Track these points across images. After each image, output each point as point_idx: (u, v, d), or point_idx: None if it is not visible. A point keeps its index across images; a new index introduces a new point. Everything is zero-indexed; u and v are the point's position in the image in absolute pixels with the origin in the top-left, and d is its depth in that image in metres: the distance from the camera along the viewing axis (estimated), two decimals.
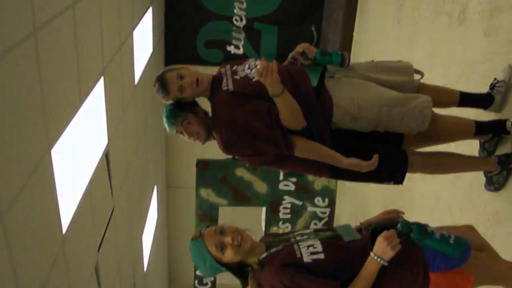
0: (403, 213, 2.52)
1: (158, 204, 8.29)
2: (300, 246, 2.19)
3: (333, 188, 6.76)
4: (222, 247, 2.16)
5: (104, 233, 4.47)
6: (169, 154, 9.11)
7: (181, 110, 2.73)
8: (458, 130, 3.01)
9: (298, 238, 2.28)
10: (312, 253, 2.15)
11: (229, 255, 2.17)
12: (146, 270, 7.36)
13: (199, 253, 2.21)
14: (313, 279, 2.10)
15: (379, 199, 5.80)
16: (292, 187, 6.58)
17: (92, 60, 3.89)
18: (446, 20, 4.06)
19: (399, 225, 2.17)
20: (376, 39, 6.05)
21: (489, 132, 3.14)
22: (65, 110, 3.29)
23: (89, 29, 3.78)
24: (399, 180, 2.89)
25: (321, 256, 2.14)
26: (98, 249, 4.28)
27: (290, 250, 2.18)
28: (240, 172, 6.38)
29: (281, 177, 6.53)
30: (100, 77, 4.09)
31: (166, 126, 2.77)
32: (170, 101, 2.77)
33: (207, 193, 6.75)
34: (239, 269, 2.28)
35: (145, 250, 7.14)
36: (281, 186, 6.60)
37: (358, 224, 2.49)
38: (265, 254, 2.21)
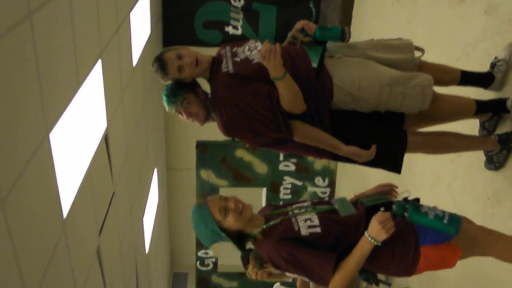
0: (397, 187, 2.71)
1: (158, 186, 8.31)
2: (298, 220, 2.28)
3: (333, 168, 6.77)
4: (225, 210, 2.26)
5: (105, 217, 4.47)
6: (169, 136, 9.11)
7: (182, 90, 2.72)
8: (458, 110, 2.99)
9: (296, 211, 2.34)
10: (309, 227, 2.23)
11: (230, 220, 2.26)
12: (148, 252, 7.39)
13: (201, 216, 2.31)
14: (310, 252, 2.19)
15: (379, 178, 5.78)
16: (292, 167, 6.60)
17: (89, 43, 3.86)
18: None
19: (394, 206, 2.21)
20: (375, 18, 6.01)
21: (489, 111, 3.12)
22: (63, 94, 3.27)
23: (85, 11, 3.74)
24: (396, 169, 2.91)
25: (318, 230, 2.22)
26: (100, 233, 4.29)
27: (288, 224, 2.27)
28: (240, 153, 6.40)
29: (281, 158, 6.54)
30: (97, 60, 4.06)
31: (166, 104, 2.75)
32: (169, 82, 2.75)
33: (208, 175, 6.78)
34: (238, 239, 2.34)
35: (146, 232, 7.16)
36: (281, 167, 6.62)
37: (354, 196, 2.55)
38: (264, 227, 2.29)
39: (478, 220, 3.42)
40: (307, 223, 2.25)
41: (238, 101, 2.62)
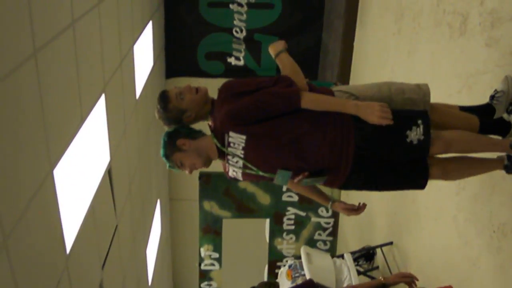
0: (418, 280, 2.71)
1: (161, 217, 8.27)
2: None
3: (336, 198, 6.72)
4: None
5: (108, 250, 4.45)
6: None
7: (171, 152, 2.79)
8: (459, 124, 2.95)
9: None
10: None
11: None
12: (151, 284, 7.33)
13: None
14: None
15: (383, 210, 5.78)
16: (295, 198, 6.57)
17: (93, 78, 3.89)
18: (447, 30, 4.05)
19: None
20: (377, 49, 6.05)
21: (494, 133, 3.08)
22: (67, 130, 3.28)
23: (89, 46, 3.78)
24: (421, 186, 2.82)
25: None
26: (103, 267, 4.26)
27: None
28: (243, 184, 6.37)
29: (284, 189, 6.52)
30: (101, 94, 4.08)
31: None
32: (172, 127, 2.76)
33: (211, 206, 6.75)
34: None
35: (149, 264, 7.11)
36: (285, 197, 6.60)
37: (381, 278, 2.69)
38: None
39: (484, 253, 3.41)
40: None
41: (242, 90, 2.66)
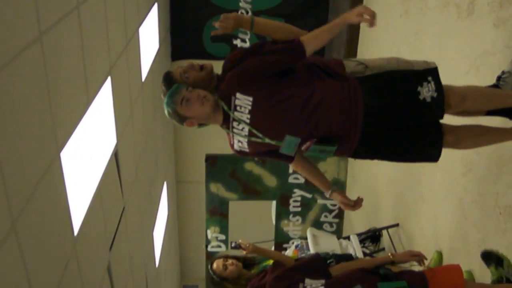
0: (426, 259, 2.70)
1: (168, 199, 8.31)
2: None
3: (343, 180, 6.74)
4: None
5: (116, 232, 4.48)
6: (178, 149, 9.12)
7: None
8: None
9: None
10: None
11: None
12: (158, 265, 7.39)
13: None
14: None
15: (389, 191, 5.78)
16: (301, 180, 6.57)
17: (98, 61, 3.88)
18: (454, 11, 4.02)
19: None
20: (383, 29, 6.00)
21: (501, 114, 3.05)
22: (73, 113, 3.29)
23: (94, 29, 3.77)
24: (434, 158, 2.78)
25: None
26: (110, 248, 4.29)
27: None
28: (249, 166, 6.38)
29: (290, 171, 6.52)
30: (107, 77, 4.08)
31: (168, 101, 2.60)
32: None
33: (217, 188, 6.77)
34: None
35: (156, 246, 7.16)
36: (291, 179, 6.60)
37: (390, 255, 2.64)
38: None
39: (490, 235, 3.41)
40: None
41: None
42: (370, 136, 2.61)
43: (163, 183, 7.74)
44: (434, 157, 2.75)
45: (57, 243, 3.06)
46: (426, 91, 2.55)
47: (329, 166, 6.30)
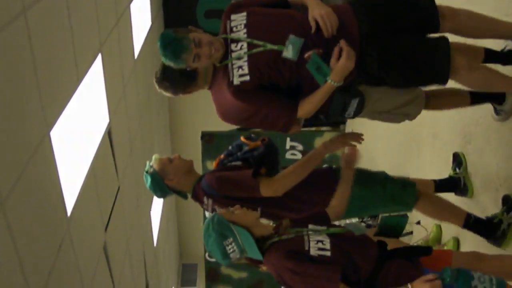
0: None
1: None
2: (310, 239, 2.17)
3: (340, 155, 6.70)
4: None
5: (111, 212, 4.43)
6: (174, 126, 9.04)
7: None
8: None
9: (310, 232, 2.25)
10: (319, 249, 2.14)
11: None
12: (156, 245, 7.37)
13: None
14: (316, 264, 2.09)
15: (386, 166, 5.73)
16: (299, 155, 6.51)
17: (88, 37, 3.79)
18: None
19: (444, 274, 2.02)
20: None
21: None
22: (62, 91, 3.21)
23: (83, 4, 3.67)
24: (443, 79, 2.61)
25: (328, 253, 2.13)
26: (106, 229, 4.24)
27: (299, 240, 2.18)
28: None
29: (287, 146, 6.47)
30: (97, 54, 3.99)
31: (174, 57, 2.43)
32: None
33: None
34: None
35: (154, 225, 7.12)
36: (288, 155, 6.54)
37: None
38: (276, 239, 2.19)
39: (490, 207, 3.36)
40: (318, 244, 2.17)
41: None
42: (371, 40, 2.51)
43: None
44: (443, 67, 2.55)
45: (49, 223, 3.01)
46: None
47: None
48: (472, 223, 3.05)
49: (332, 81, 2.37)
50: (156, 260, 7.31)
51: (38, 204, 2.83)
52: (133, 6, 5.39)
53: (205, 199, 2.83)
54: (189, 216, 9.79)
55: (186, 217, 10.01)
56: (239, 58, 2.49)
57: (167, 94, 2.66)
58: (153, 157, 2.78)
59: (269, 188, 2.59)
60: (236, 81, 2.50)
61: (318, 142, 5.93)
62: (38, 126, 2.81)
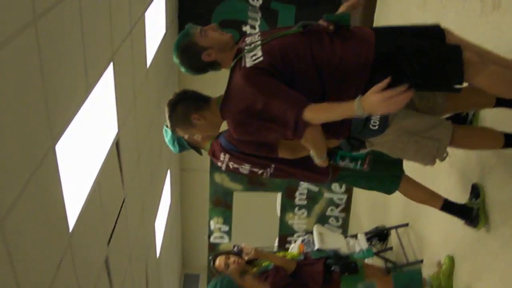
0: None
1: (171, 187, 8.16)
2: None
3: None
4: None
5: (115, 225, 4.31)
6: None
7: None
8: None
9: None
10: None
11: None
12: (159, 255, 7.25)
13: None
14: None
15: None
16: None
17: (100, 47, 3.69)
18: (478, 5, 3.79)
19: None
20: (399, 22, 5.78)
21: None
22: (70, 102, 3.10)
23: (96, 13, 3.57)
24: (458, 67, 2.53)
25: None
26: (108, 242, 4.13)
27: None
28: None
29: None
30: (109, 64, 3.89)
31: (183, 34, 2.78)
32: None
33: (221, 178, 6.65)
34: None
35: (158, 235, 7.01)
36: None
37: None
38: None
39: (507, 243, 3.22)
40: None
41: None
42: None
43: (166, 171, 7.58)
44: (457, 62, 2.51)
45: (50, 240, 2.89)
46: None
47: None
48: (448, 206, 3.57)
49: (359, 110, 2.18)
50: (158, 271, 7.19)
51: (39, 220, 2.72)
52: (148, 14, 5.30)
53: (221, 156, 3.09)
54: (194, 226, 9.70)
55: (190, 226, 9.92)
56: (251, 51, 2.53)
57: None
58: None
59: (286, 151, 2.86)
60: (250, 64, 2.48)
61: None
62: (43, 140, 2.70)
